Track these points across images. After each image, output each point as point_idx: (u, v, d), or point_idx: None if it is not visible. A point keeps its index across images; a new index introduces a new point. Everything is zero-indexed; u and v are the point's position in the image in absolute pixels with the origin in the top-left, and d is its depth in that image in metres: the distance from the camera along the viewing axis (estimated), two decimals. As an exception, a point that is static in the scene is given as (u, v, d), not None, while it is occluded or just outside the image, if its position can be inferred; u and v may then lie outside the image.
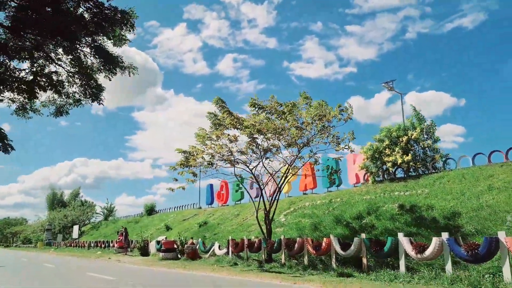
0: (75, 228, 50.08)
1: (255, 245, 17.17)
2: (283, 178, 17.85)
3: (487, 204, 14.17)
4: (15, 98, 11.45)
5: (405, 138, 20.58)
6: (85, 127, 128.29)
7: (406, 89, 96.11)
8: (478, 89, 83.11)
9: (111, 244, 34.62)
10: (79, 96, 11.66)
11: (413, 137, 20.33)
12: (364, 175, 23.33)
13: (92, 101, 11.58)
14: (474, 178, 16.79)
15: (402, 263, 11.25)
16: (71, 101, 11.77)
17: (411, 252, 10.89)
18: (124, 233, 29.97)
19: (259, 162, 17.31)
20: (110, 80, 11.28)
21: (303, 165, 20.68)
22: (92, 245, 39.96)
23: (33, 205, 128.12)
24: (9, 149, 11.51)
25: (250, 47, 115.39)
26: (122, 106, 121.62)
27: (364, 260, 12.49)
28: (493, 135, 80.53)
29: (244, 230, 24.44)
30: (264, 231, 17.47)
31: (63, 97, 11.50)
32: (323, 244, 13.76)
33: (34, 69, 9.66)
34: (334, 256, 13.68)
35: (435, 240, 10.40)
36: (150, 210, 49.25)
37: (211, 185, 38.91)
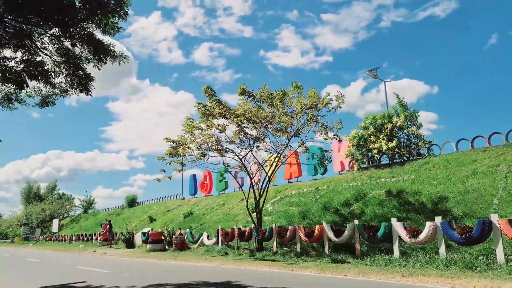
0: (55, 221, 49.04)
1: (246, 234, 17.20)
2: (273, 167, 17.88)
3: (472, 188, 14.56)
4: (-1, 88, 11.03)
5: (390, 125, 20.88)
6: (58, 119, 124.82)
7: (381, 78, 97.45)
8: (450, 77, 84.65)
9: (94, 237, 34.08)
10: (66, 86, 11.27)
11: (398, 124, 20.65)
12: (350, 163, 23.62)
13: (80, 92, 11.18)
14: (459, 163, 17.21)
15: (396, 247, 11.47)
16: (57, 91, 11.37)
17: (405, 237, 11.09)
18: (108, 226, 29.53)
19: (248, 151, 17.25)
20: (99, 69, 10.92)
21: (291, 154, 20.79)
22: (73, 238, 39.25)
23: (6, 200, 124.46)
24: (-4, 141, 11.08)
25: (226, 36, 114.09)
26: (96, 97, 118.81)
27: (357, 246, 12.67)
28: (465, 121, 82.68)
29: (231, 219, 24.45)
30: (254, 220, 17.51)
31: (49, 87, 11.11)
32: (316, 231, 13.88)
33: (25, 58, 9.25)
34: (327, 243, 13.84)
35: (428, 224, 10.62)
36: (132, 202, 48.67)
37: (194, 175, 38.76)
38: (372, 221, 15.04)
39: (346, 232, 12.91)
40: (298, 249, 14.94)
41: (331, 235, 13.42)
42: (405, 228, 11.31)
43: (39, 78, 9.49)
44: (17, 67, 9.16)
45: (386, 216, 15.39)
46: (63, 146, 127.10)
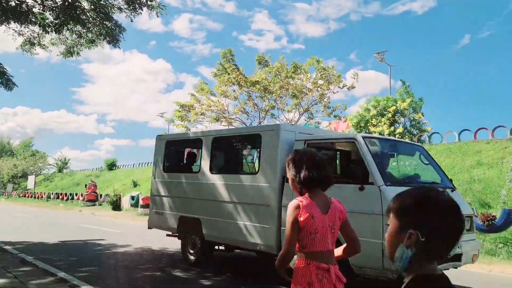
0: (31, 178, 47.61)
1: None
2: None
3: (478, 178, 14.91)
4: (21, 30, 10.29)
5: (392, 109, 20.97)
6: (30, 76, 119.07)
7: (348, 67, 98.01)
8: (416, 73, 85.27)
9: (75, 197, 33.34)
10: (92, 36, 10.64)
11: (402, 107, 20.75)
12: (347, 144, 23.76)
13: (108, 43, 10.59)
14: (462, 153, 17.55)
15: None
16: (83, 41, 10.73)
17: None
18: (93, 187, 28.97)
19: (259, 123, 17.02)
20: (132, 20, 10.34)
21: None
22: (51, 196, 38.32)
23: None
24: (11, 84, 10.39)
25: (208, 9, 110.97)
26: (70, 57, 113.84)
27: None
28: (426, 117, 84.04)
29: (223, 190, 24.34)
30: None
31: (75, 36, 10.46)
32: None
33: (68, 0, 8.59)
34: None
35: (449, 209, 10.79)
36: (111, 165, 47.77)
37: (181, 143, 38.15)
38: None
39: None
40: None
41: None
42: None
43: (76, 22, 8.84)
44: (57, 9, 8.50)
45: (391, 199, 15.67)
46: (32, 103, 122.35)
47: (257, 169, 6.45)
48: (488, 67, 72.05)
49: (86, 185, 31.29)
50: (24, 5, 9.33)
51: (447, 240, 1.14)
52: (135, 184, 34.73)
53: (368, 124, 21.86)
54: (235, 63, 15.59)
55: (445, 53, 77.90)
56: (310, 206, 2.23)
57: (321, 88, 15.91)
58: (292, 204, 2.26)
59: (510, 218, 9.61)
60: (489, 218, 9.87)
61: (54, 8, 8.73)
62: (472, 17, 75.71)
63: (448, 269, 5.43)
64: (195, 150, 8.21)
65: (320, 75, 15.44)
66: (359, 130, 22.46)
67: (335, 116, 17.19)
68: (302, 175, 2.27)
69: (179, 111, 16.44)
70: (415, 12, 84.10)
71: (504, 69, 69.66)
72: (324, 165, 2.38)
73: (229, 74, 15.12)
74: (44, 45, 10.60)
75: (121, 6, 10.10)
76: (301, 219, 2.20)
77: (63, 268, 6.78)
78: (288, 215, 2.24)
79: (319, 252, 2.24)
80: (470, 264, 8.42)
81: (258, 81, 15.35)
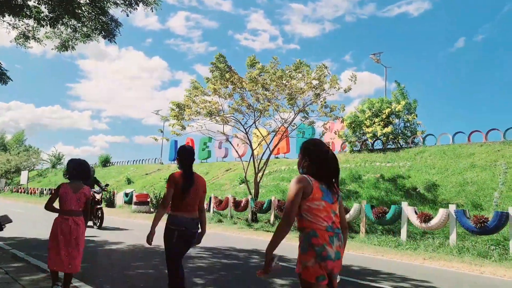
0: (24, 173, 47.31)
1: (242, 204, 17.12)
2: (276, 140, 17.79)
3: (471, 180, 14.99)
4: (16, 24, 10.20)
5: (387, 110, 21.06)
6: (25, 70, 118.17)
7: (342, 68, 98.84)
8: (411, 75, 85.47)
9: (68, 193, 33.12)
10: (88, 30, 10.58)
11: (396, 109, 20.84)
12: (341, 144, 23.83)
13: (104, 38, 10.54)
14: (455, 155, 17.64)
15: (404, 231, 11.68)
16: (78, 35, 10.67)
17: (415, 221, 11.30)
18: (87, 183, 28.76)
19: (253, 123, 17.01)
20: (127, 15, 10.29)
21: (285, 129, 20.64)
22: (44, 192, 38.08)
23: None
24: (6, 78, 10.30)
25: (204, 8, 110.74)
26: (66, 53, 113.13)
27: (363, 226, 12.86)
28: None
29: (217, 189, 24.33)
30: (252, 191, 17.47)
31: (70, 30, 10.40)
32: (320, 207, 13.94)
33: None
34: (330, 220, 13.96)
35: (442, 211, 10.84)
36: (105, 162, 47.62)
37: (176, 141, 38.08)
38: (369, 202, 15.28)
39: (352, 211, 13.04)
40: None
41: (335, 212, 13.51)
42: (415, 212, 11.51)
43: (71, 16, 8.77)
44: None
45: (382, 199, 15.71)
46: (27, 98, 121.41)
47: None
48: (482, 70, 72.57)
49: (79, 181, 31.09)
50: (19, -2, 9.26)
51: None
52: (129, 181, 34.70)
53: (362, 125, 21.95)
54: (228, 64, 15.54)
55: (440, 55, 78.31)
56: (66, 187, 4.55)
57: (315, 88, 15.90)
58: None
59: (502, 221, 9.65)
60: (481, 220, 9.92)
61: (49, 2, 8.65)
62: (467, 20, 76.15)
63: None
64: None
65: (319, 76, 15.40)
66: (353, 131, 22.57)
67: (331, 117, 17.18)
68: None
69: (174, 110, 16.37)
70: (410, 14, 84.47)
71: (498, 72, 70.17)
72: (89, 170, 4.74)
73: (222, 75, 15.11)
74: (38, 38, 10.54)
75: (117, 1, 10.05)
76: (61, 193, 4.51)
77: (54, 264, 6.71)
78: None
79: (67, 210, 4.47)
80: (461, 265, 8.50)
81: (256, 77, 15.31)
